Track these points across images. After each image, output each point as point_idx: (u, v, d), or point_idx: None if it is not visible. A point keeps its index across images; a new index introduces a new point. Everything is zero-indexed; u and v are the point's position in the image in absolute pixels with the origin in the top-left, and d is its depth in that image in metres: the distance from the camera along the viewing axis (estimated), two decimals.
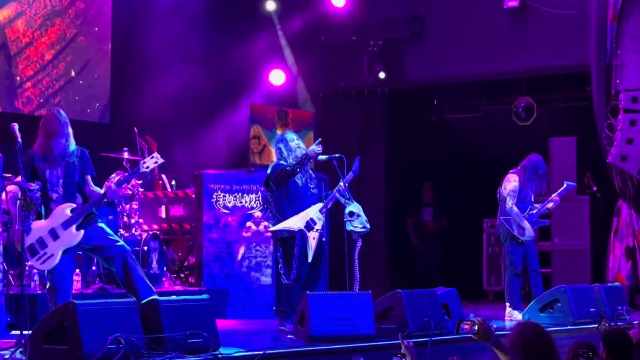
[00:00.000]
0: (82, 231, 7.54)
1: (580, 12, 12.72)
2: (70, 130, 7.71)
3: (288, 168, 8.81)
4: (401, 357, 5.34)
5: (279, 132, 12.10)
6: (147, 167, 7.81)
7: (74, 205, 7.57)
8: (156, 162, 7.81)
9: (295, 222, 8.83)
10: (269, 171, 9.02)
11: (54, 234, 7.48)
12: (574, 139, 13.61)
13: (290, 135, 9.20)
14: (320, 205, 9.00)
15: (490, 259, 14.43)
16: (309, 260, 8.80)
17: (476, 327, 5.14)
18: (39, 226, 7.49)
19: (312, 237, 8.82)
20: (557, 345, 5.16)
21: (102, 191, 7.63)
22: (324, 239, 9.30)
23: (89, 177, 7.74)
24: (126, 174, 9.37)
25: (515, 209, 10.34)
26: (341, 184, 8.94)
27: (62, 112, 7.76)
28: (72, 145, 7.71)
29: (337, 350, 7.67)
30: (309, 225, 8.86)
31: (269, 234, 9.81)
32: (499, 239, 10.90)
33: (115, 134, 12.81)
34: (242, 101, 13.95)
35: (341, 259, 9.17)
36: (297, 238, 8.80)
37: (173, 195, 12.18)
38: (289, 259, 8.81)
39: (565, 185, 10.73)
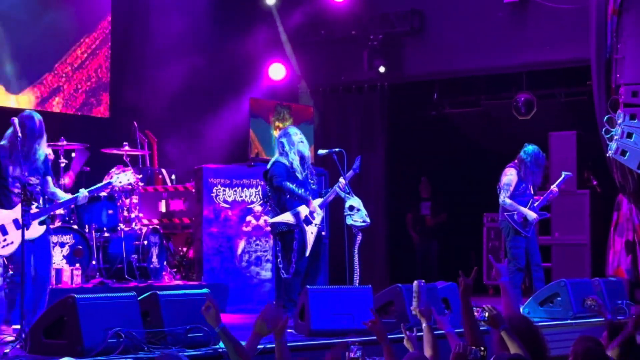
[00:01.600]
0: (44, 227, 7.83)
1: (580, 7, 12.70)
2: (43, 135, 7.90)
3: (287, 190, 8.79)
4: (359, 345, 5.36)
5: (275, 131, 12.17)
6: (120, 182, 8.39)
7: (40, 204, 7.85)
8: (129, 180, 8.46)
9: (294, 216, 8.84)
10: (269, 166, 9.02)
11: (17, 224, 7.65)
12: (574, 133, 13.60)
13: (294, 130, 9.20)
14: (319, 200, 9.00)
15: (491, 253, 14.42)
16: (307, 254, 8.80)
17: (486, 314, 5.18)
18: (2, 214, 7.72)
19: (311, 232, 8.84)
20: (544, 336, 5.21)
21: (71, 195, 8.01)
22: (323, 233, 9.28)
23: (49, 178, 8.00)
24: (125, 168, 9.42)
25: (508, 200, 10.31)
26: (341, 180, 8.95)
27: (35, 116, 7.86)
28: (41, 150, 7.93)
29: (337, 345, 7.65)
30: (308, 219, 8.87)
31: (268, 228, 9.81)
32: (499, 233, 10.88)
33: (115, 129, 12.80)
34: (242, 95, 13.94)
35: (341, 253, 9.16)
36: (295, 232, 8.81)
37: (173, 190, 12.17)
38: (288, 253, 8.83)
39: (563, 175, 10.70)
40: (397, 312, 8.38)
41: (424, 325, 5.34)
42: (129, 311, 6.76)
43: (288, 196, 8.86)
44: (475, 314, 5.26)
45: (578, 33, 12.79)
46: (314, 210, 8.91)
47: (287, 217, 8.86)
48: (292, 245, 8.80)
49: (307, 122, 13.17)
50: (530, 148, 10.43)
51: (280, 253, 8.93)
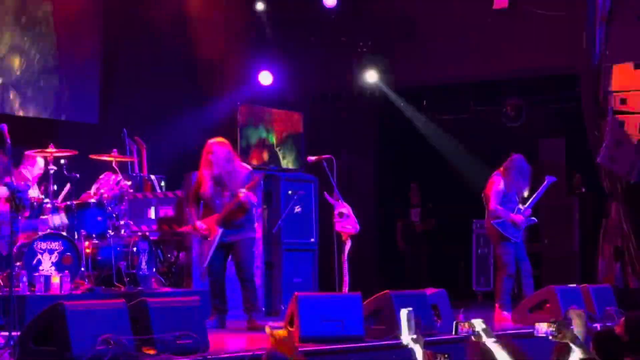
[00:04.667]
0: None
1: (569, 14, 12.74)
2: None
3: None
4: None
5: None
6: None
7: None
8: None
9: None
10: None
11: None
12: (563, 140, 13.63)
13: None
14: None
15: (480, 260, 14.44)
16: (205, 264, 9.42)
17: (474, 329, 5.18)
18: None
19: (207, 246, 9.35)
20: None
21: None
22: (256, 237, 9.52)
23: None
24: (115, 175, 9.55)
25: (499, 207, 10.34)
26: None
27: None
28: None
29: (327, 351, 7.66)
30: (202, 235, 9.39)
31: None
32: (489, 240, 10.90)
33: (104, 135, 12.77)
34: (232, 102, 13.93)
35: (331, 260, 9.16)
36: (193, 241, 9.35)
37: (162, 196, 12.13)
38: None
39: (546, 180, 10.73)
40: (386, 318, 8.38)
41: (417, 352, 5.30)
42: (117, 318, 6.74)
43: None
44: (464, 328, 5.24)
45: (567, 40, 12.83)
46: (204, 229, 9.28)
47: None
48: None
49: (296, 128, 13.16)
50: (515, 158, 10.49)
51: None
